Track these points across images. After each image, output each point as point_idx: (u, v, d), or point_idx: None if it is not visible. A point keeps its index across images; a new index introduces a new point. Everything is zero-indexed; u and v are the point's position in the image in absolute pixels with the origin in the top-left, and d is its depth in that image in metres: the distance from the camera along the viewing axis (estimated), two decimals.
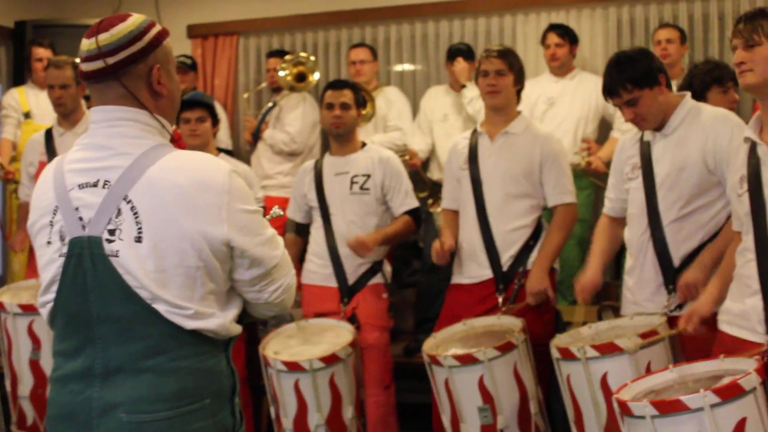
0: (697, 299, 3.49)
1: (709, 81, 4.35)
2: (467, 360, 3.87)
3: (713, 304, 3.24)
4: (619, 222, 3.97)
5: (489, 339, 4.03)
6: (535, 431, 3.98)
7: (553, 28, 6.19)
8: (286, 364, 4.23)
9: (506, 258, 4.37)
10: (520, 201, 4.39)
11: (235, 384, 2.33)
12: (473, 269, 4.44)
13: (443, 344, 4.11)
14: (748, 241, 3.02)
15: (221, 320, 2.23)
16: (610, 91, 3.68)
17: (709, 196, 3.61)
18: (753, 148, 3.03)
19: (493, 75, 4.37)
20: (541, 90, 6.16)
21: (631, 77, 3.60)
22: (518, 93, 4.48)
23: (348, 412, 4.30)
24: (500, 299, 4.34)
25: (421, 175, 6.33)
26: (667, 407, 2.73)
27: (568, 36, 6.15)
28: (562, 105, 6.10)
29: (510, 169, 4.38)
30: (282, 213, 2.68)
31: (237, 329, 2.31)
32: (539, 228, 4.45)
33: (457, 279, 4.51)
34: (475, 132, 4.56)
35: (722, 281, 3.26)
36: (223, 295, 2.27)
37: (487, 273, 4.40)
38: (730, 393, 2.70)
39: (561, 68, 6.17)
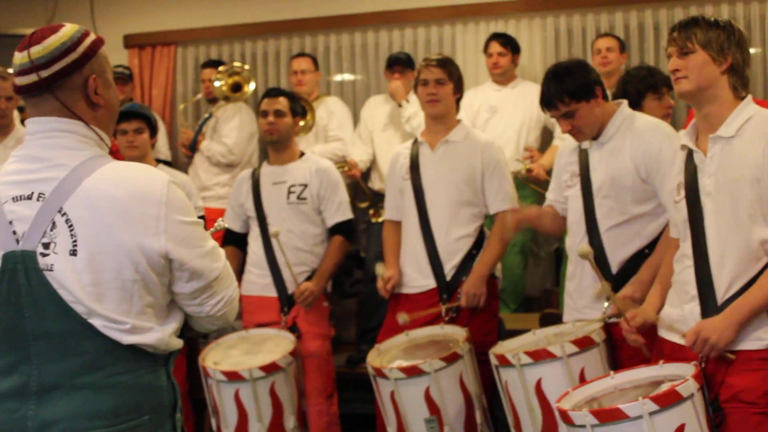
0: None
1: (643, 89, 4.40)
2: (413, 372, 3.85)
3: (655, 311, 3.26)
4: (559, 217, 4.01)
5: (433, 349, 4.03)
6: None
7: (496, 37, 6.22)
8: (225, 373, 4.20)
9: (449, 267, 4.37)
10: (463, 210, 4.39)
11: (176, 400, 2.29)
12: (416, 279, 4.43)
13: (387, 355, 4.10)
14: (686, 247, 3.04)
15: (160, 334, 2.19)
16: (547, 103, 3.71)
17: (649, 204, 3.63)
18: (690, 155, 3.07)
19: (433, 84, 4.38)
20: (483, 99, 6.19)
21: (567, 90, 3.63)
22: (457, 102, 4.50)
23: (290, 422, 4.28)
24: (443, 309, 4.33)
25: (361, 185, 6.31)
26: (607, 416, 2.73)
27: (510, 45, 6.19)
28: (505, 113, 6.13)
29: (452, 178, 4.39)
30: (225, 225, 2.65)
31: (177, 343, 2.27)
32: (481, 236, 4.45)
33: (400, 288, 4.50)
34: (416, 142, 4.56)
35: (662, 288, 3.29)
36: (163, 308, 2.24)
37: (430, 283, 4.39)
38: (669, 400, 2.72)
39: (503, 77, 6.21)
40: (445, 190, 4.39)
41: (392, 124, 6.26)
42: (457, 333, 4.12)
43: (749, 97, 3.00)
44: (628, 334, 3.30)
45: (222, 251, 2.33)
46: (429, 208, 4.40)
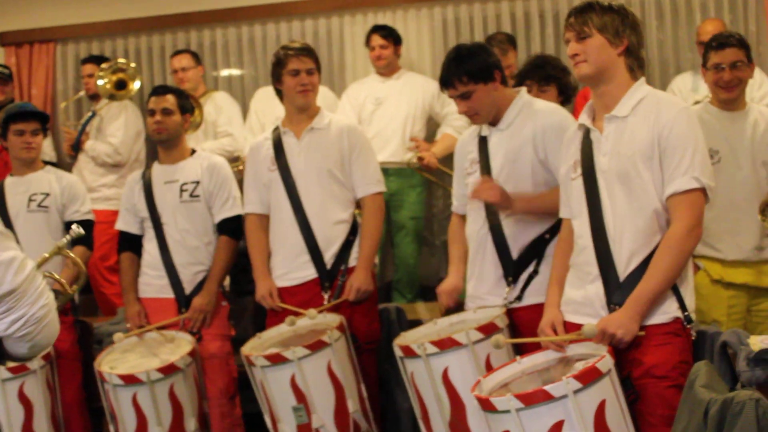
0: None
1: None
2: (277, 359, 3.86)
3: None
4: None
5: (312, 338, 3.99)
6: (355, 429, 3.97)
7: (377, 29, 6.22)
8: (122, 377, 4.11)
9: (329, 256, 4.34)
10: (338, 195, 4.37)
11: None
12: (295, 270, 4.37)
13: (266, 344, 4.09)
14: (581, 226, 3.11)
15: None
16: (445, 82, 3.72)
17: (548, 188, 3.65)
18: (587, 134, 3.14)
19: (305, 74, 4.36)
20: (368, 91, 6.20)
21: (467, 71, 3.65)
22: None
23: (191, 424, 4.23)
24: (326, 297, 4.30)
25: None
26: (532, 398, 2.75)
27: (392, 37, 6.20)
28: (390, 105, 6.14)
29: (323, 165, 4.36)
30: (83, 232, 2.50)
31: None
32: (355, 223, 4.45)
33: (280, 282, 4.42)
34: (275, 130, 4.51)
35: (559, 288, 3.28)
36: None
37: (311, 273, 4.35)
38: (590, 377, 2.76)
39: (387, 69, 6.22)
40: (317, 177, 4.35)
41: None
42: (332, 321, 4.11)
43: (642, 78, 3.11)
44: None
45: (28, 267, 2.17)
46: (302, 197, 4.35)
